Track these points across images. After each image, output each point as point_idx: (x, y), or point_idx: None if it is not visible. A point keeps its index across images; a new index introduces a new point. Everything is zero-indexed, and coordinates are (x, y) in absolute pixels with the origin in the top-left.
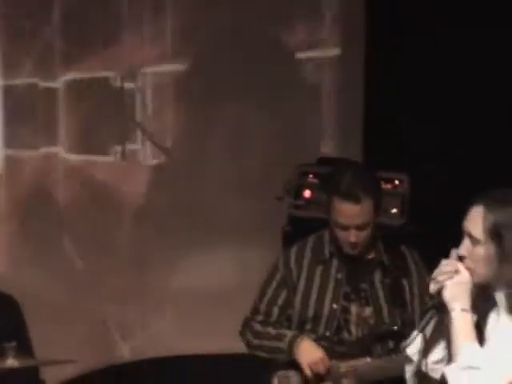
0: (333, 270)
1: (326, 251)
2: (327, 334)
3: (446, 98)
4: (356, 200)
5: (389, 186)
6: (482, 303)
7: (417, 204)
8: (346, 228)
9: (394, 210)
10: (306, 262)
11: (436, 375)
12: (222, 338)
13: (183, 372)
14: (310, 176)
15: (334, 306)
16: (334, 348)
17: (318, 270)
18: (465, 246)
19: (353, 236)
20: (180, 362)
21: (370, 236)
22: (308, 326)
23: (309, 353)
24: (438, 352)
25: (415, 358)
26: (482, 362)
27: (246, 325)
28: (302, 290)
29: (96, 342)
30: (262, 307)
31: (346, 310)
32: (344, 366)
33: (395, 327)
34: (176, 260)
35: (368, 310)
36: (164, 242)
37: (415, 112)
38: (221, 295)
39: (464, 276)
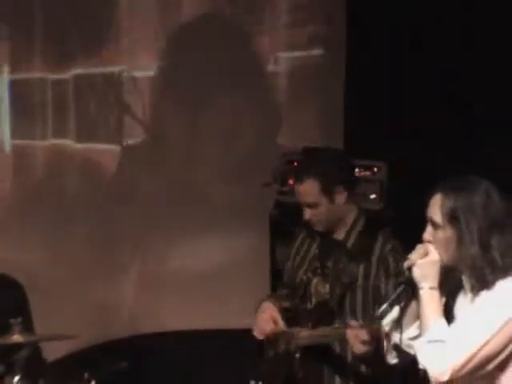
0: (314, 246)
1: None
2: (296, 301)
3: (427, 90)
4: (299, 180)
5: (368, 173)
6: (451, 284)
7: (397, 190)
8: (302, 206)
9: (373, 196)
10: (301, 235)
11: (412, 351)
12: (213, 316)
13: (176, 346)
14: (295, 164)
15: (303, 277)
16: (299, 314)
17: (306, 243)
18: (428, 232)
19: (306, 213)
20: (172, 337)
21: (328, 216)
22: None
23: (260, 312)
24: (414, 329)
25: (387, 328)
26: (447, 336)
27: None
28: (291, 257)
29: (95, 319)
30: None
31: (309, 282)
32: (295, 330)
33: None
34: (171, 243)
35: (327, 287)
36: (158, 227)
37: (397, 105)
38: (213, 276)
39: (434, 256)
